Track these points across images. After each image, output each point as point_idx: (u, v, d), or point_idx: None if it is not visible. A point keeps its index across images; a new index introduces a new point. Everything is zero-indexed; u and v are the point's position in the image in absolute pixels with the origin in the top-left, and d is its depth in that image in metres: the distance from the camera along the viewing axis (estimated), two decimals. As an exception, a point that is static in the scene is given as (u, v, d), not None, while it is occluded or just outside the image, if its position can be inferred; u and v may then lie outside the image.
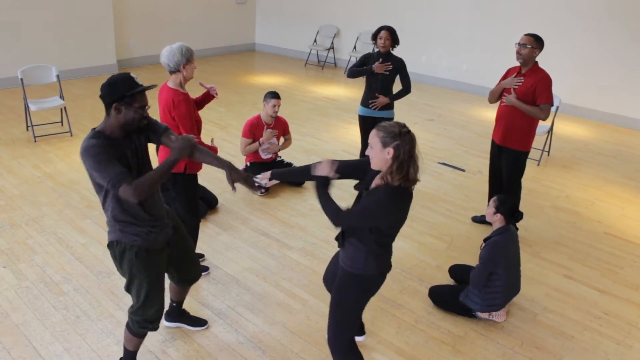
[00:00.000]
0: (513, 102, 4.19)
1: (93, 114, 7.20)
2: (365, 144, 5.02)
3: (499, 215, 3.42)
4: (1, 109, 7.20)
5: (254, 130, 5.18)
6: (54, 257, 3.94)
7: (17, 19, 8.01)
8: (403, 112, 7.91)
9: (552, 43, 7.74)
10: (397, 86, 4.92)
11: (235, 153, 6.04)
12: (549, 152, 6.65)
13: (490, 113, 8.19)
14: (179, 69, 3.28)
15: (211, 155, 2.62)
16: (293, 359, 3.10)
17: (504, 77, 4.41)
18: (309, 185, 5.27)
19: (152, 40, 10.13)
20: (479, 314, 3.47)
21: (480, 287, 3.38)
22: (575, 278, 4.09)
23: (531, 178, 5.85)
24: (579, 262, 4.31)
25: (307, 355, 3.12)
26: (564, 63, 8.34)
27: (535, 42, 4.12)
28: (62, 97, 6.48)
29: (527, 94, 4.14)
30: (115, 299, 3.52)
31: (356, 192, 2.62)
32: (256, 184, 2.61)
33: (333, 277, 2.80)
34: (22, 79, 6.17)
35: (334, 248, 4.22)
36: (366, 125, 5.00)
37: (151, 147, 2.84)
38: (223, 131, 6.84)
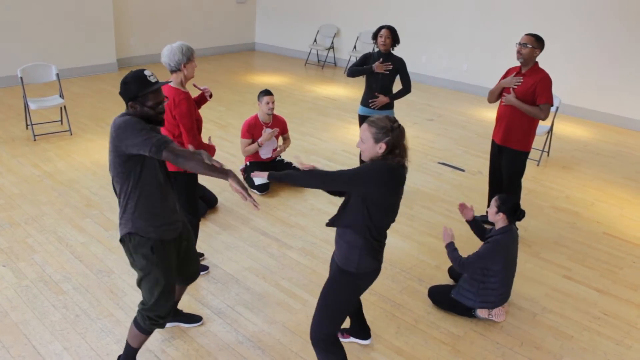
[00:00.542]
0: (512, 102, 4.19)
1: (93, 113, 7.20)
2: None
3: (501, 214, 3.42)
4: (1, 108, 7.20)
5: (252, 131, 5.17)
6: (54, 256, 3.94)
7: (17, 17, 8.01)
8: (403, 111, 7.92)
9: (552, 43, 7.76)
10: (397, 86, 4.92)
11: (234, 152, 6.04)
12: (548, 152, 6.65)
13: (490, 113, 8.19)
14: (179, 68, 3.28)
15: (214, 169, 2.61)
16: (292, 358, 3.10)
17: (504, 77, 4.41)
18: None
19: (152, 39, 10.12)
20: (479, 314, 3.48)
21: (466, 274, 3.43)
22: (575, 278, 4.09)
23: (531, 178, 5.86)
24: (579, 263, 4.31)
25: (306, 354, 3.12)
26: (563, 63, 8.35)
27: (536, 41, 4.12)
28: (61, 95, 6.48)
29: (528, 94, 4.14)
30: (115, 298, 3.52)
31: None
32: (247, 199, 2.48)
33: None
34: (21, 78, 6.16)
35: (333, 247, 4.21)
36: (366, 124, 4.99)
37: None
38: (223, 130, 6.84)
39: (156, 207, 2.53)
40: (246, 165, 5.34)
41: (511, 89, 4.22)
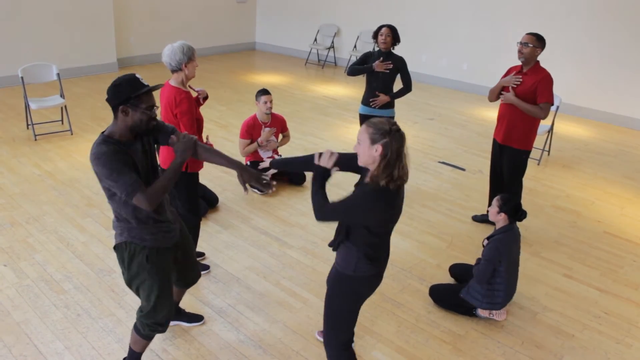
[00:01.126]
0: (511, 100, 4.18)
1: (93, 113, 7.20)
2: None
3: (502, 214, 3.43)
4: (1, 107, 7.20)
5: (250, 131, 5.17)
6: (55, 256, 3.94)
7: (17, 17, 8.01)
8: (403, 111, 7.92)
9: (552, 42, 7.75)
10: (397, 85, 4.92)
11: (235, 152, 6.03)
12: (549, 151, 6.65)
13: (490, 112, 8.20)
14: (180, 68, 3.28)
15: (220, 155, 2.57)
16: (293, 357, 3.10)
17: (505, 75, 4.40)
18: (310, 184, 5.27)
19: (152, 38, 10.12)
20: (480, 313, 3.48)
21: (484, 283, 3.39)
22: (575, 277, 4.10)
23: (531, 177, 5.86)
24: (579, 262, 4.32)
25: (307, 353, 3.13)
26: (564, 62, 8.34)
27: (537, 41, 4.12)
28: (62, 95, 6.48)
29: (529, 93, 4.14)
30: (116, 297, 3.52)
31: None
32: (264, 181, 2.53)
33: None
34: (22, 77, 6.17)
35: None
36: (367, 124, 4.99)
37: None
38: (223, 130, 6.84)
39: (150, 216, 2.47)
40: (246, 165, 5.34)
41: (510, 88, 4.22)
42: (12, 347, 3.04)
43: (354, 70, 4.93)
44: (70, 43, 8.74)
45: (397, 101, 5.06)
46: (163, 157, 3.46)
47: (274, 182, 2.55)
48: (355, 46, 10.62)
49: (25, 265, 3.80)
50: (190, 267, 2.90)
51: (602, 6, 7.93)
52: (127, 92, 2.30)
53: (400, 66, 4.84)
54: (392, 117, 4.96)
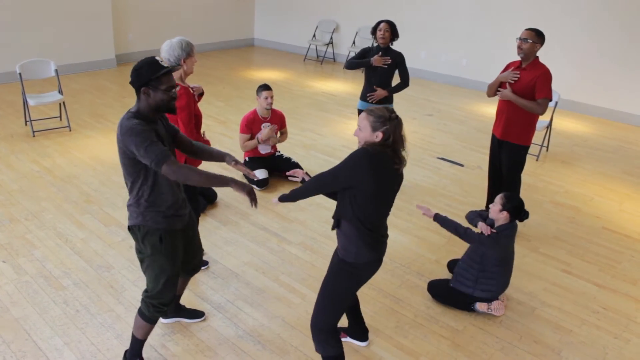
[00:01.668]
0: (508, 96, 4.18)
1: (92, 109, 7.19)
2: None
3: (505, 212, 3.43)
4: (0, 104, 7.20)
5: (250, 126, 5.17)
6: (54, 252, 3.94)
7: (15, 13, 7.98)
8: (402, 106, 7.91)
9: (551, 38, 7.74)
10: (396, 81, 4.92)
11: (234, 148, 6.03)
12: (547, 147, 6.65)
13: (489, 108, 8.19)
14: (179, 64, 3.28)
15: (212, 157, 2.79)
16: (292, 352, 3.11)
17: (504, 71, 4.40)
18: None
19: (150, 35, 10.10)
20: (478, 308, 3.49)
21: (467, 241, 3.43)
22: (574, 273, 4.10)
23: (530, 173, 5.86)
24: (578, 257, 4.32)
25: (306, 349, 3.13)
26: (563, 58, 8.34)
27: (536, 36, 4.11)
28: (60, 91, 6.47)
29: (527, 89, 4.13)
30: (115, 293, 3.52)
31: None
32: (252, 200, 2.53)
33: None
34: (20, 74, 6.15)
35: (333, 242, 4.22)
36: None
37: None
38: (222, 126, 6.83)
39: (167, 200, 2.58)
40: (245, 160, 5.34)
41: (507, 84, 4.22)
42: (11, 343, 3.05)
43: (352, 64, 4.92)
44: (68, 39, 8.71)
45: (395, 97, 5.07)
46: None
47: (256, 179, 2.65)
48: (354, 42, 10.61)
49: (24, 262, 3.80)
50: (195, 252, 2.95)
51: (601, 2, 7.92)
52: (147, 75, 2.42)
53: (398, 61, 4.84)
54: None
